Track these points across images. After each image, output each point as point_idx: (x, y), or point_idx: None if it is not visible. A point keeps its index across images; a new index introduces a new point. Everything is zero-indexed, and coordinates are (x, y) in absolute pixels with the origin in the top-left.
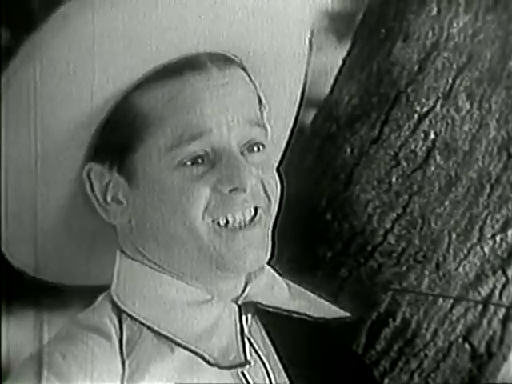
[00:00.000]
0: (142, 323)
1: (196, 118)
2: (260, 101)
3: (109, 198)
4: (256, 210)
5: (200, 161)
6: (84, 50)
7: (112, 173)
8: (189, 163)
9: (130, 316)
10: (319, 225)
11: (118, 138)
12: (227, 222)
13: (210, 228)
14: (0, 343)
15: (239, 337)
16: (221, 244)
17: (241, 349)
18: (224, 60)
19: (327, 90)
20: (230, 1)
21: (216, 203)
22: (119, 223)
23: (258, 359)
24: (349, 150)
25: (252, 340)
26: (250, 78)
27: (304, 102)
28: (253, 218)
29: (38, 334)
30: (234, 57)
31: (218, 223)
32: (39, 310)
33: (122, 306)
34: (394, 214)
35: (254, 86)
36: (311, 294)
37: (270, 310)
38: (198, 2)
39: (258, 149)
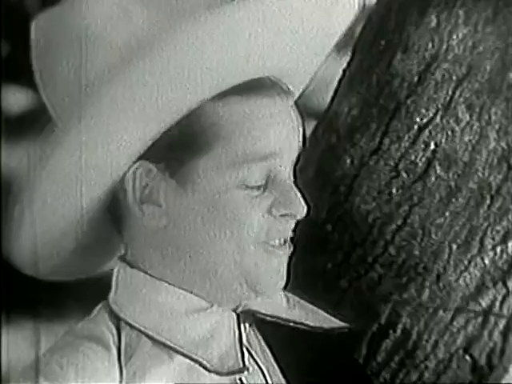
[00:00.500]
0: (140, 331)
1: (266, 140)
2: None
3: (147, 199)
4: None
5: (259, 184)
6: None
7: (162, 174)
8: (252, 184)
9: (128, 324)
10: (319, 236)
11: (185, 140)
12: (270, 244)
13: (254, 248)
14: (0, 353)
15: (238, 344)
16: (261, 265)
17: (239, 355)
18: (280, 87)
19: (327, 101)
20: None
21: (266, 226)
22: (153, 225)
23: (256, 366)
24: (349, 161)
25: (250, 348)
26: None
27: (304, 113)
28: (286, 240)
29: (36, 344)
30: (284, 84)
31: (263, 244)
32: (37, 320)
33: (121, 314)
34: (395, 225)
35: (300, 113)
36: (309, 305)
37: (268, 319)
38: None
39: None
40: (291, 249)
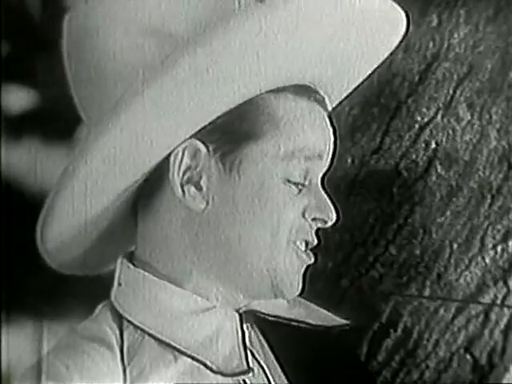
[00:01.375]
0: (143, 330)
1: (314, 142)
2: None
3: (189, 180)
4: None
5: (299, 183)
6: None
7: (210, 157)
8: (295, 180)
9: (131, 323)
10: (320, 235)
11: (239, 126)
12: (300, 244)
13: (286, 246)
14: (0, 352)
15: (241, 344)
16: (289, 264)
17: (243, 356)
18: (320, 95)
19: None
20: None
21: (298, 227)
22: (193, 206)
23: (258, 367)
24: (350, 160)
25: (252, 348)
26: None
27: None
28: (308, 247)
29: (37, 343)
30: (321, 93)
31: (293, 245)
32: (39, 319)
33: (124, 313)
34: (396, 225)
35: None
36: (309, 303)
37: (270, 318)
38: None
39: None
40: (312, 259)
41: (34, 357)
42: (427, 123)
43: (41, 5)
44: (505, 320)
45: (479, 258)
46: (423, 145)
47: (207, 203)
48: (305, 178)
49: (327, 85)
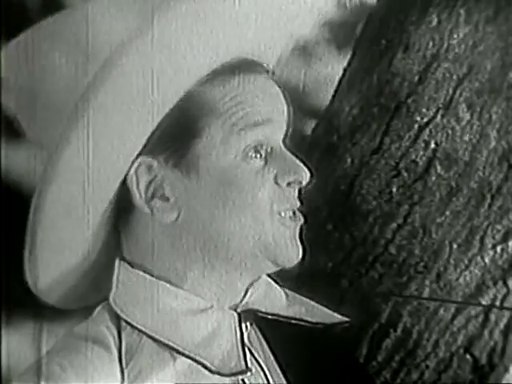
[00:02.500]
0: (141, 331)
1: (258, 109)
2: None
3: (152, 194)
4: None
5: (259, 154)
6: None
7: (164, 167)
8: (252, 154)
9: (129, 324)
10: (320, 235)
11: (181, 128)
12: (285, 214)
13: (270, 220)
14: (0, 352)
15: (239, 344)
16: (281, 233)
17: (241, 356)
18: (261, 65)
19: (327, 100)
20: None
21: (276, 196)
22: (164, 220)
23: (257, 366)
24: (349, 160)
25: (251, 347)
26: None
27: (304, 112)
28: (295, 212)
29: (37, 343)
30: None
31: (277, 216)
32: (38, 320)
33: (122, 315)
34: (395, 225)
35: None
36: (308, 300)
37: (269, 317)
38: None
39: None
40: (301, 219)
41: (33, 357)
42: (427, 123)
43: (41, 5)
44: (504, 320)
45: (479, 258)
46: (423, 145)
47: (178, 212)
48: (262, 147)
49: (259, 55)
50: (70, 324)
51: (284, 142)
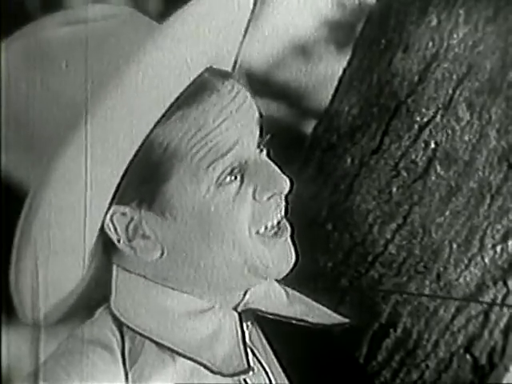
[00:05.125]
0: (142, 335)
1: (223, 137)
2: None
3: (133, 235)
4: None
5: (234, 176)
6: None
7: (138, 210)
8: (227, 180)
9: (130, 328)
10: (320, 235)
11: (146, 174)
12: (267, 227)
13: (254, 239)
14: (0, 352)
15: (241, 344)
16: (265, 252)
17: (243, 355)
18: (220, 73)
19: (327, 100)
20: (218, 17)
21: (257, 214)
22: (148, 258)
23: (259, 366)
24: (349, 160)
25: (253, 347)
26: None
27: (304, 111)
28: (280, 221)
29: (37, 344)
30: (226, 69)
31: (259, 231)
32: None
33: (123, 319)
34: (395, 224)
35: (248, 89)
36: (309, 300)
37: (270, 316)
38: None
39: (262, 148)
40: (288, 229)
41: (33, 357)
42: (427, 123)
43: (41, 5)
44: (504, 320)
45: (479, 258)
46: (422, 145)
47: (162, 249)
48: (235, 168)
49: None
50: (69, 324)
51: (262, 137)
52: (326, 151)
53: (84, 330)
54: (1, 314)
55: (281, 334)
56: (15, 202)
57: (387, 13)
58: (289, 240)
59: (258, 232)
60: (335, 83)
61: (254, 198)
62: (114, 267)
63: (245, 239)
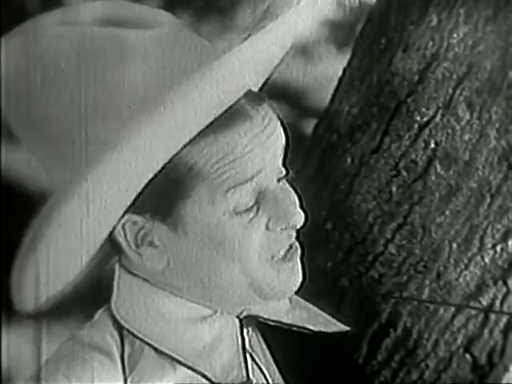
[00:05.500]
0: (142, 340)
1: (248, 165)
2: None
3: (141, 242)
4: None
5: (251, 205)
6: None
7: (150, 221)
8: (244, 209)
9: (130, 333)
10: (320, 235)
11: (166, 189)
12: (276, 257)
13: (263, 264)
14: (0, 352)
15: (241, 352)
16: (272, 276)
17: (243, 365)
18: (255, 98)
19: (327, 99)
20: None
21: (269, 243)
22: (153, 267)
23: (259, 372)
24: (349, 159)
25: (252, 352)
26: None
27: (304, 111)
28: (291, 245)
29: (37, 343)
30: (259, 92)
31: (269, 261)
32: (37, 320)
33: (123, 322)
34: (395, 224)
35: (278, 117)
36: (311, 306)
37: (271, 323)
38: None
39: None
40: (298, 251)
41: (33, 357)
42: (427, 123)
43: (41, 5)
44: (504, 320)
45: (479, 258)
46: (422, 144)
47: (168, 259)
48: (256, 196)
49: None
50: (69, 324)
51: (287, 173)
52: (326, 151)
53: (84, 333)
54: (1, 314)
55: (279, 336)
56: (15, 201)
57: (387, 12)
58: (298, 261)
59: (267, 259)
60: (335, 83)
61: (267, 228)
62: (117, 267)
63: (254, 265)
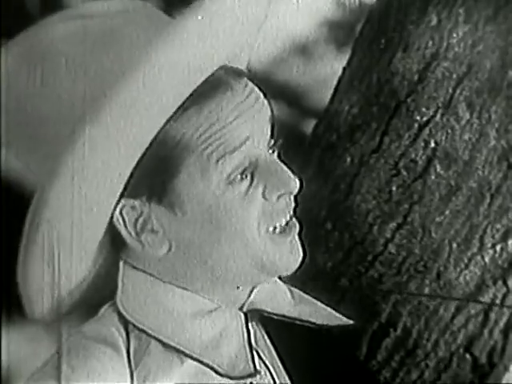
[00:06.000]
0: (148, 334)
1: (234, 133)
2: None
3: (141, 230)
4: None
5: (245, 175)
6: None
7: (147, 205)
8: (238, 178)
9: (136, 327)
10: (320, 234)
11: (157, 167)
12: (276, 226)
13: (263, 237)
14: (0, 352)
15: (247, 346)
16: (273, 250)
17: (249, 358)
18: (235, 72)
19: (327, 99)
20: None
21: (267, 212)
22: (155, 254)
23: (264, 367)
24: (349, 159)
25: (257, 347)
26: (256, 84)
27: (304, 111)
28: (288, 220)
29: (37, 343)
30: (240, 68)
31: (268, 230)
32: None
33: (128, 317)
34: (395, 224)
35: (260, 89)
36: (314, 300)
37: (274, 317)
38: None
39: (274, 149)
40: (297, 227)
41: (33, 357)
42: (426, 122)
43: (41, 5)
44: (504, 319)
45: (478, 257)
46: (422, 144)
47: (169, 244)
48: (246, 167)
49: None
50: (69, 324)
51: (273, 138)
52: (325, 150)
53: (90, 327)
54: (1, 313)
55: (281, 332)
56: (15, 201)
57: (387, 12)
58: (296, 237)
59: (266, 230)
60: (335, 83)
61: (263, 197)
62: (121, 264)
63: (253, 237)
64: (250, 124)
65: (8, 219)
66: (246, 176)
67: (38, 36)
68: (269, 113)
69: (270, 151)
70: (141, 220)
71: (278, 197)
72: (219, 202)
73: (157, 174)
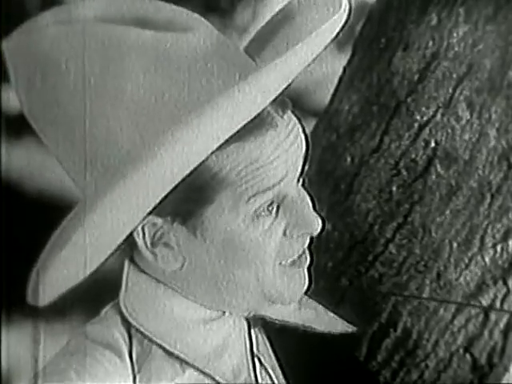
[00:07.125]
0: (151, 340)
1: (272, 172)
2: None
3: (157, 242)
4: None
5: (270, 212)
6: None
7: (170, 223)
8: (263, 213)
9: (139, 331)
10: (320, 234)
11: (190, 195)
12: (288, 262)
13: (276, 270)
14: (0, 352)
15: (249, 355)
16: (283, 282)
17: (251, 368)
18: (281, 103)
19: (327, 99)
20: None
21: (285, 248)
22: (167, 268)
23: (265, 373)
24: (349, 159)
25: (259, 354)
26: (296, 115)
27: (304, 111)
28: (302, 253)
29: (37, 343)
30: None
31: (281, 267)
32: (37, 320)
33: (131, 320)
34: (395, 224)
35: (300, 122)
36: (318, 305)
37: (277, 323)
38: None
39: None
40: (308, 260)
41: (33, 357)
42: (427, 122)
43: (41, 5)
44: (504, 320)
45: (479, 258)
46: (423, 144)
47: (183, 261)
48: (274, 203)
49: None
50: (69, 324)
51: (303, 170)
52: (325, 150)
53: (92, 329)
54: (1, 314)
55: (281, 333)
56: (15, 201)
57: (387, 12)
58: (305, 269)
59: (280, 263)
60: (335, 82)
61: (284, 234)
62: (127, 263)
63: (267, 270)
64: (288, 163)
65: (8, 219)
66: (272, 210)
67: (37, 34)
68: (304, 147)
69: (299, 184)
70: (159, 234)
71: (298, 236)
72: (241, 234)
73: (188, 200)
